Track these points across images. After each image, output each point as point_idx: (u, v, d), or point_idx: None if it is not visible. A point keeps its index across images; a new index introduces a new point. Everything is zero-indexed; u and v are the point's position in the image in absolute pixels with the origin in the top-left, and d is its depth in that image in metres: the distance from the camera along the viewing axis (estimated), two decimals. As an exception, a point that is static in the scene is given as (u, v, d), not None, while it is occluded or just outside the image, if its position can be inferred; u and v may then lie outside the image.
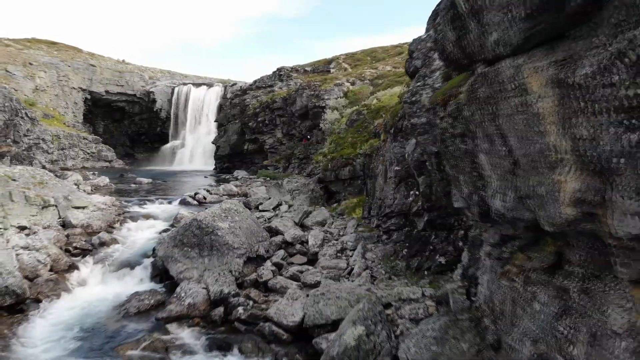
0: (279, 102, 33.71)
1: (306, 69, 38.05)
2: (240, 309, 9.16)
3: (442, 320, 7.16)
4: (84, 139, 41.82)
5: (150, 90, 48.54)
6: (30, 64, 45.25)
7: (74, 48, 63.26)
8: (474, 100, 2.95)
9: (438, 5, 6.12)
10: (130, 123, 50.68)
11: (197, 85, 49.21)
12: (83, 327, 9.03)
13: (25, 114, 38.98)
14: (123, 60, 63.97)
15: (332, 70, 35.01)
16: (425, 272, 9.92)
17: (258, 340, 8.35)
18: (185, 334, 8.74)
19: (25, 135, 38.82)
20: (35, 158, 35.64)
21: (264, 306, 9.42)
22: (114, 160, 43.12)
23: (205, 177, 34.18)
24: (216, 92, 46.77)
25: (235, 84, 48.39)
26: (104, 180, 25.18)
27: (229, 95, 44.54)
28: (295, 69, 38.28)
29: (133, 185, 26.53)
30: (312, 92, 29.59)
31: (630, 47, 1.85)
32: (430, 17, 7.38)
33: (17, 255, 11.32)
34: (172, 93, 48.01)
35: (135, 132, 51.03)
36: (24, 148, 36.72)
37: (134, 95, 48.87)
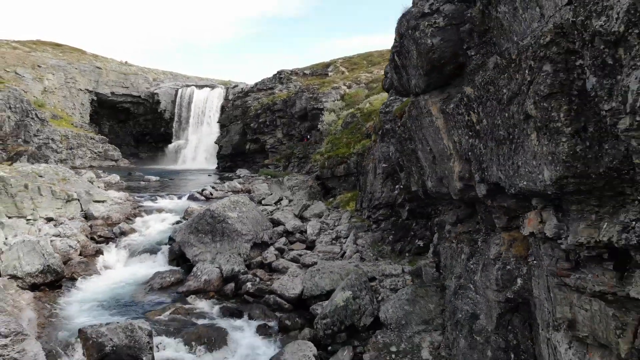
0: (279, 104, 35.34)
1: (305, 72, 39.67)
2: (248, 284, 10.78)
3: (414, 287, 8.81)
4: (91, 138, 43.36)
5: (155, 91, 50.14)
6: (39, 66, 46.75)
7: (78, 50, 64.77)
8: (411, 116, 4.51)
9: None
10: (134, 123, 52.28)
11: (200, 87, 50.84)
12: (115, 299, 10.63)
13: (35, 114, 40.55)
14: (126, 62, 65.44)
15: (330, 74, 36.64)
16: (407, 254, 11.57)
17: (264, 309, 9.96)
18: (202, 304, 10.34)
19: (35, 136, 40.37)
20: (50, 157, 37.21)
21: (268, 282, 11.03)
22: (119, 159, 44.67)
23: (208, 175, 35.78)
24: (218, 93, 48.37)
25: (236, 85, 50.00)
26: (115, 177, 26.75)
27: (230, 97, 46.15)
28: (295, 72, 39.91)
29: (142, 182, 28.11)
30: (311, 95, 31.23)
31: (464, 96, 3.40)
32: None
33: (51, 241, 12.93)
34: (176, 94, 49.64)
35: (140, 132, 52.64)
36: (34, 148, 38.25)
37: (139, 96, 50.46)
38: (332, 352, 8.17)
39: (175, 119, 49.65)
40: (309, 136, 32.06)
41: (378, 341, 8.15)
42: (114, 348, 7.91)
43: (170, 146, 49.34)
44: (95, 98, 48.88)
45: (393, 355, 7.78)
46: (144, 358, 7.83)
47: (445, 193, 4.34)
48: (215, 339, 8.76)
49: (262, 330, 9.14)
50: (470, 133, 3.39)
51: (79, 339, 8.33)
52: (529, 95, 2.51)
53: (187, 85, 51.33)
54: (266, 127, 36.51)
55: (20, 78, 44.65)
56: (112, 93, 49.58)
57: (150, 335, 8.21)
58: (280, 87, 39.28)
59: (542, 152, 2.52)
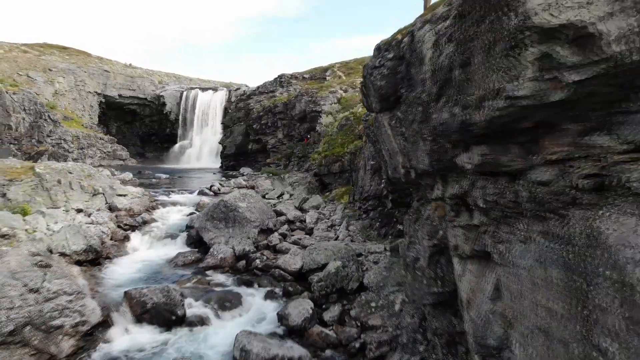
0: (280, 107, 37.55)
1: (304, 76, 41.89)
2: (257, 261, 12.94)
3: (391, 258, 10.99)
4: (100, 139, 45.48)
5: (161, 94, 52.35)
6: (50, 69, 48.85)
7: (83, 52, 66.86)
8: (375, 126, 6.64)
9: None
10: (141, 124, 54.46)
11: (204, 89, 53.03)
12: (146, 272, 12.77)
13: (48, 116, 42.64)
14: (130, 64, 67.53)
15: (327, 78, 38.85)
16: (390, 237, 13.73)
17: (271, 280, 12.12)
18: (219, 277, 12.49)
19: (48, 136, 42.46)
20: (68, 156, 39.30)
21: (274, 260, 13.18)
22: (127, 158, 46.78)
23: (214, 173, 37.94)
24: (221, 96, 50.55)
25: (238, 88, 52.22)
26: (129, 175, 28.87)
27: (232, 99, 48.35)
28: (294, 76, 42.13)
29: (154, 180, 30.24)
30: (310, 99, 33.44)
31: (398, 117, 5.58)
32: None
33: (86, 227, 15.06)
34: (181, 97, 51.85)
35: (146, 133, 54.81)
36: (53, 148, 40.32)
37: (145, 98, 52.65)
38: (325, 309, 10.33)
39: (180, 120, 51.86)
40: (308, 136, 34.22)
41: (362, 299, 10.31)
42: (154, 305, 10.06)
43: (175, 146, 51.54)
44: (103, 100, 51.03)
45: (373, 309, 9.94)
46: (178, 312, 9.98)
47: (398, 178, 6.47)
48: (232, 300, 10.91)
49: (270, 295, 11.30)
50: (403, 138, 5.50)
51: (125, 299, 10.50)
52: (415, 120, 4.61)
53: (192, 88, 53.54)
54: (268, 128, 38.70)
55: (33, 81, 46.74)
56: (120, 95, 51.75)
57: (182, 295, 10.40)
58: (280, 90, 41.47)
59: (424, 149, 4.62)
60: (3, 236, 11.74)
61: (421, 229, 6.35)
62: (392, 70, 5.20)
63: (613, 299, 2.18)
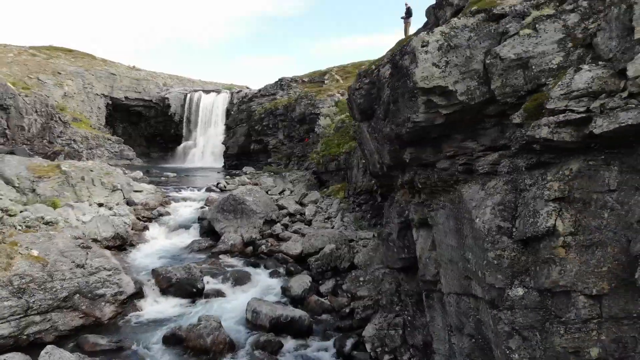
0: (281, 109, 39.54)
1: (304, 79, 43.94)
2: (263, 247, 14.89)
3: (377, 241, 12.94)
4: (108, 139, 47.39)
5: (165, 96, 54.29)
6: (59, 73, 50.78)
7: (88, 55, 68.75)
8: (359, 132, 8.57)
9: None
10: (146, 125, 56.37)
11: (207, 91, 55.00)
12: (166, 256, 14.70)
13: (59, 118, 44.56)
14: (134, 67, 69.36)
15: (326, 82, 40.86)
16: (378, 226, 15.67)
17: (275, 262, 14.06)
18: (230, 260, 14.44)
19: (58, 137, 44.35)
20: (82, 156, 41.21)
21: (277, 246, 15.11)
22: (134, 158, 48.68)
23: (217, 172, 39.89)
24: (223, 98, 52.50)
25: (240, 90, 54.23)
26: (139, 174, 30.73)
27: (235, 101, 50.32)
28: (294, 80, 44.18)
29: (162, 178, 32.16)
30: (309, 102, 35.45)
31: (372, 126, 7.47)
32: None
33: (112, 218, 16.97)
34: (185, 99, 53.82)
35: (151, 134, 56.69)
36: (64, 148, 42.26)
37: (150, 100, 54.56)
38: (321, 283, 12.28)
39: (185, 121, 53.81)
40: (309, 137, 36.16)
41: (352, 275, 12.25)
42: (178, 280, 11.99)
43: (180, 146, 53.48)
44: (110, 102, 52.95)
45: (361, 283, 11.88)
46: (198, 285, 11.91)
47: (376, 172, 8.41)
48: (242, 278, 12.85)
49: (274, 274, 13.25)
50: (376, 141, 7.43)
51: (152, 275, 12.45)
52: (380, 129, 6.57)
53: (195, 90, 55.51)
54: (269, 129, 40.68)
55: (43, 84, 48.62)
56: (126, 97, 53.67)
57: (201, 272, 12.35)
58: (281, 92, 43.47)
59: (387, 149, 6.59)
60: (47, 223, 13.68)
61: (393, 210, 8.32)
62: (368, 92, 7.14)
63: (468, 229, 4.08)
